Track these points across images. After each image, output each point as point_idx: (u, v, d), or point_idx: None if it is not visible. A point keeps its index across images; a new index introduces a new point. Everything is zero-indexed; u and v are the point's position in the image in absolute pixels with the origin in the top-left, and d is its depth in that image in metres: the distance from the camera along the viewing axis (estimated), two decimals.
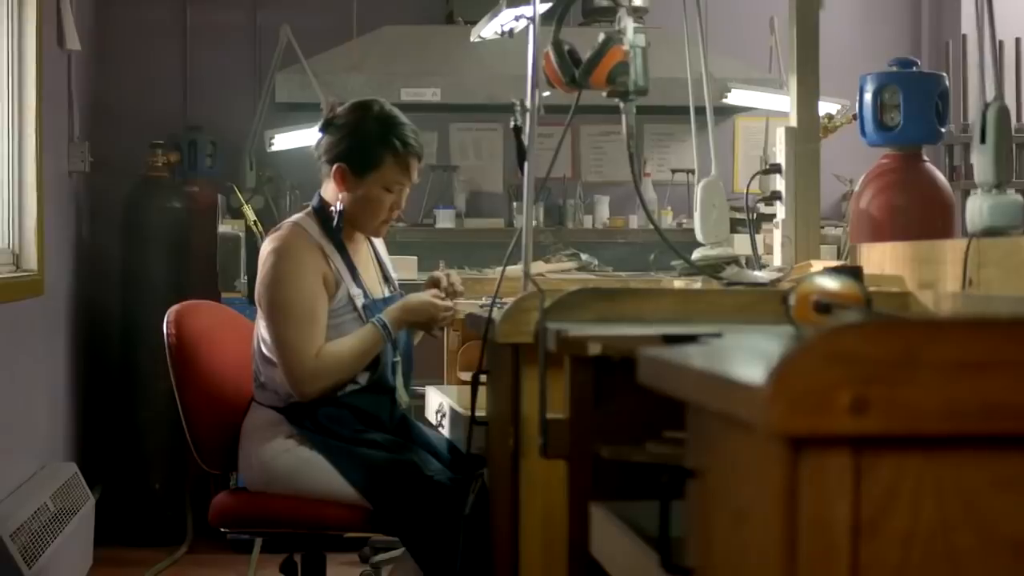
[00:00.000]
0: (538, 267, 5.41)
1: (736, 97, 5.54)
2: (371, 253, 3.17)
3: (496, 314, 2.60)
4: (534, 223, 5.69)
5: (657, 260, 5.62)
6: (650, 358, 1.58)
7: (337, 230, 2.98)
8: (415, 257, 5.05)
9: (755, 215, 3.40)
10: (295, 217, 3.05)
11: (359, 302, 2.98)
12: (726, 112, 5.92)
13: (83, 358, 5.15)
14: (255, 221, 4.72)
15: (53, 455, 4.55)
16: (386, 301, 3.08)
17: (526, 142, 2.76)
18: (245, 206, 4.78)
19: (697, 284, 3.00)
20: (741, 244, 5.75)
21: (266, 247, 2.98)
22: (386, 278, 3.19)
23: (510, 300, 3.13)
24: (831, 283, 1.93)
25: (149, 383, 4.86)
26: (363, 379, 2.97)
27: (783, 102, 5.60)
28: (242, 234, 4.90)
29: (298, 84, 5.13)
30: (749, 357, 1.46)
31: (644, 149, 5.98)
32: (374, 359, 2.96)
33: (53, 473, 4.28)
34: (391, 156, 2.96)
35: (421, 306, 2.98)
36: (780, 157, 3.26)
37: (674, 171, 5.90)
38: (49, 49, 4.43)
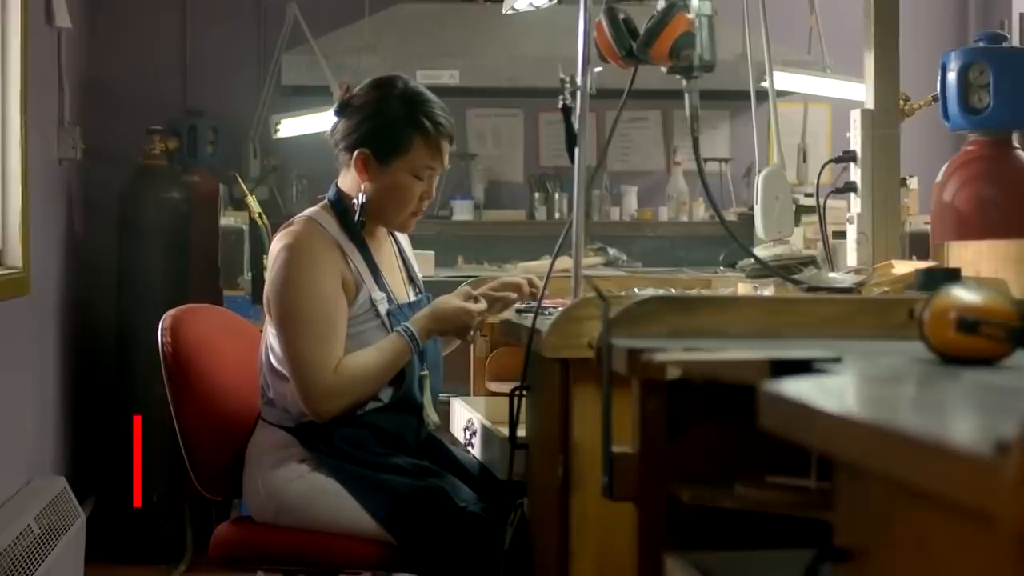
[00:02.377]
0: (563, 263, 5.13)
1: (775, 81, 5.22)
2: (395, 251, 2.85)
3: (541, 322, 2.31)
4: (557, 215, 5.55)
5: (690, 256, 5.36)
6: (782, 399, 1.22)
7: (359, 225, 2.67)
8: (432, 252, 4.74)
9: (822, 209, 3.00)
10: (309, 211, 2.73)
11: (382, 308, 2.66)
12: (759, 97, 5.63)
13: (74, 362, 4.96)
14: (260, 213, 4.37)
15: (40, 469, 4.31)
16: (412, 306, 2.76)
17: (576, 124, 2.38)
18: (249, 197, 4.41)
19: (768, 289, 2.63)
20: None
21: (276, 245, 2.66)
22: (411, 279, 2.87)
23: (556, 305, 2.86)
24: (973, 296, 1.58)
25: (146, 388, 4.58)
26: (386, 396, 2.66)
27: (826, 86, 5.31)
28: (245, 227, 4.67)
29: (306, 66, 4.95)
30: (931, 404, 1.10)
31: (673, 137, 5.74)
32: (399, 373, 2.65)
33: (40, 489, 4.00)
34: (420, 138, 2.66)
35: (453, 313, 2.67)
36: (855, 143, 2.89)
37: (706, 159, 5.47)
38: (36, 26, 4.22)
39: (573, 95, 2.42)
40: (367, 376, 2.60)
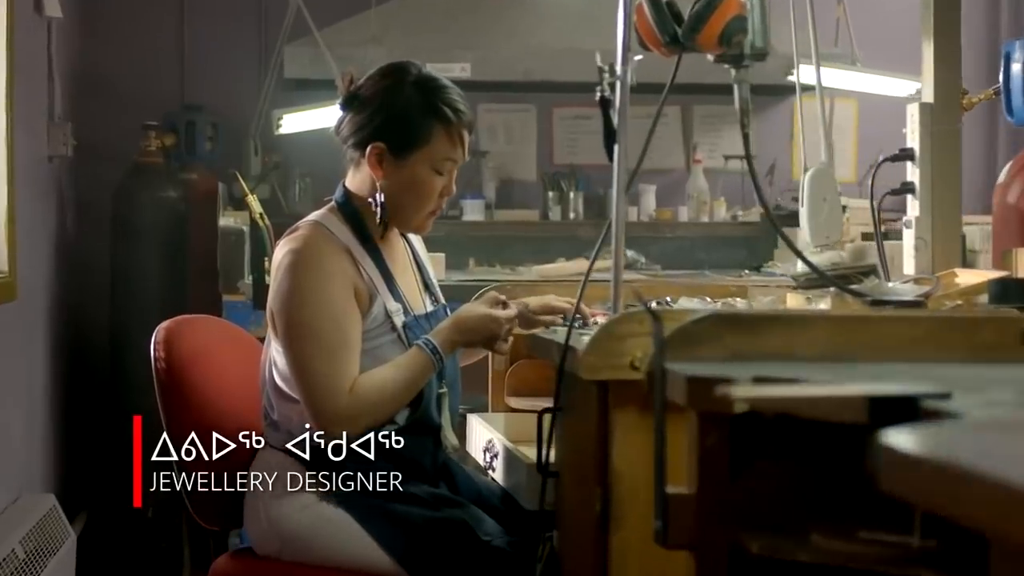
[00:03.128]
0: (579, 265, 4.96)
1: (801, 75, 5.02)
2: (409, 255, 2.64)
3: (574, 337, 2.12)
4: (572, 215, 5.35)
5: (711, 258, 5.26)
6: (918, 460, 0.97)
7: (382, 227, 2.49)
8: (442, 254, 4.55)
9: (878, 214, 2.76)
10: (315, 215, 2.52)
11: (398, 319, 2.46)
12: (782, 92, 5.47)
13: (65, 372, 4.81)
14: (261, 214, 4.24)
15: (29, 485, 4.14)
16: (429, 318, 2.55)
17: (616, 119, 2.16)
18: (250, 196, 4.30)
19: (823, 303, 2.39)
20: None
21: (281, 251, 2.45)
22: (427, 286, 2.65)
23: (594, 319, 2.61)
24: None
25: (142, 397, 4.34)
26: (402, 418, 2.44)
27: (857, 80, 5.09)
28: (246, 228, 4.50)
29: (309, 58, 4.85)
30: None
31: (692, 133, 5.60)
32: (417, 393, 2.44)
33: (28, 508, 3.81)
34: (440, 127, 2.46)
35: (479, 321, 2.46)
36: (913, 140, 2.65)
37: (727, 157, 5.51)
38: (24, 15, 4.08)
39: (612, 87, 2.16)
40: (385, 396, 2.39)
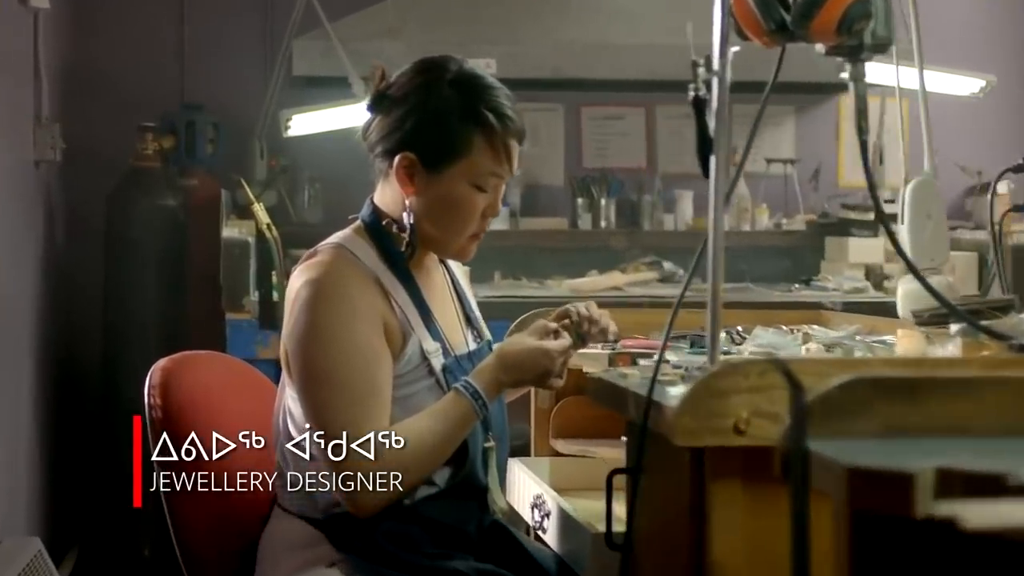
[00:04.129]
0: (613, 279, 4.75)
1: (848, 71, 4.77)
2: (448, 284, 2.33)
3: (662, 390, 1.83)
4: (603, 224, 5.08)
5: (754, 270, 5.09)
6: None
7: (406, 254, 2.18)
8: (465, 268, 4.26)
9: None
10: (338, 236, 2.21)
11: (437, 361, 2.14)
12: (825, 90, 5.36)
13: (52, 400, 4.67)
14: (268, 224, 4.16)
15: (12, 528, 4.00)
16: (472, 357, 2.23)
17: (713, 124, 1.81)
18: (255, 204, 4.32)
19: (950, 345, 2.00)
20: (857, 251, 4.92)
21: (297, 281, 2.14)
22: (468, 320, 2.33)
23: (640, 349, 2.43)
24: None
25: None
26: (441, 478, 2.14)
27: (911, 77, 4.75)
28: (251, 239, 4.44)
29: (320, 53, 4.71)
30: None
31: (731, 135, 5.25)
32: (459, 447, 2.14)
33: (11, 553, 3.62)
34: (482, 137, 2.16)
35: (528, 356, 2.15)
36: None
37: (769, 161, 5.33)
38: (8, 6, 4.05)
39: (707, 85, 1.82)
40: (421, 453, 2.08)
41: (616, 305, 4.37)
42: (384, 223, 2.17)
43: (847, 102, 5.42)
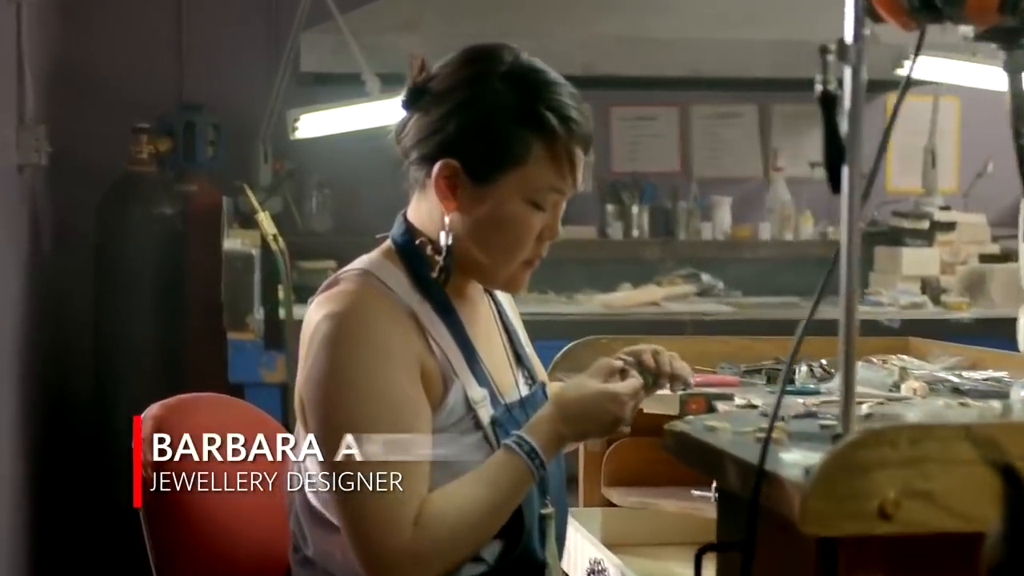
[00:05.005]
0: (650, 293, 4.58)
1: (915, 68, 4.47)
2: (495, 318, 2.02)
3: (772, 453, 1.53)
4: (635, 233, 4.92)
5: (798, 283, 4.91)
6: None
7: (440, 281, 1.88)
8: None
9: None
10: (364, 260, 1.91)
11: (485, 413, 1.84)
12: (871, 88, 5.05)
13: (36, 430, 4.51)
14: (275, 235, 3.97)
15: None
16: (525, 405, 1.92)
17: (845, 125, 1.48)
18: (260, 212, 4.10)
19: None
20: (910, 263, 4.65)
21: (316, 315, 1.84)
22: (518, 358, 2.02)
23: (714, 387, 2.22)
24: None
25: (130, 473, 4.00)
26: (491, 553, 1.85)
27: (977, 73, 4.49)
28: (255, 251, 4.34)
29: (330, 48, 4.59)
30: None
31: (771, 136, 5.30)
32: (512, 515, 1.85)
33: None
34: (541, 143, 1.85)
35: (594, 402, 1.86)
36: None
37: (813, 164, 5.13)
38: None
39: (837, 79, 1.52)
40: (467, 527, 1.79)
41: (657, 324, 4.19)
42: (418, 243, 1.87)
43: (895, 101, 5.21)
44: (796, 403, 2.09)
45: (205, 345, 4.29)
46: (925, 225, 4.63)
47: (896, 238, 4.73)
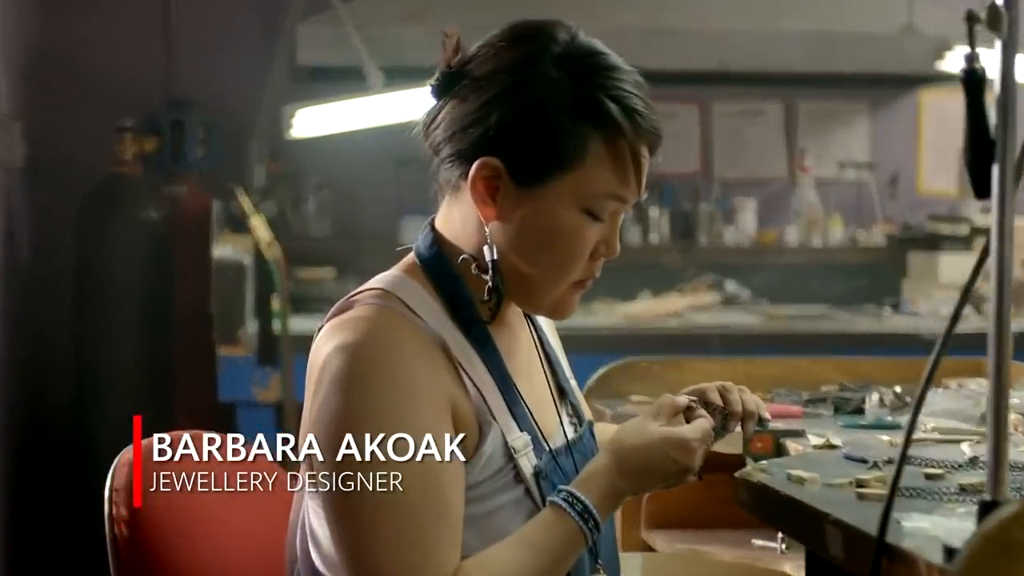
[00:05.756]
0: (672, 302, 4.51)
1: (951, 62, 4.44)
2: (537, 348, 1.73)
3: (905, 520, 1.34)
4: (654, 238, 4.76)
5: (827, 290, 4.88)
6: None
7: (491, 310, 1.61)
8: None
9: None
10: (383, 279, 1.63)
11: (527, 463, 1.57)
12: (903, 84, 5.09)
13: (11, 455, 4.37)
14: (269, 242, 3.91)
15: None
16: (572, 451, 1.66)
17: (994, 115, 1.24)
18: (253, 217, 4.16)
19: None
20: (948, 270, 4.44)
21: (326, 345, 1.56)
22: (562, 393, 1.74)
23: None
24: None
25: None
26: None
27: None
28: (248, 259, 4.31)
29: (329, 40, 4.55)
30: None
31: (797, 135, 5.16)
32: None
33: None
34: (601, 141, 1.58)
35: (659, 450, 1.60)
36: None
37: (842, 165, 5.08)
38: None
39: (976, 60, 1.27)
40: None
41: (682, 338, 3.97)
42: (461, 260, 1.60)
43: (928, 98, 5.13)
44: (879, 441, 1.83)
45: (193, 360, 4.19)
46: (965, 231, 4.44)
47: (932, 243, 4.60)
